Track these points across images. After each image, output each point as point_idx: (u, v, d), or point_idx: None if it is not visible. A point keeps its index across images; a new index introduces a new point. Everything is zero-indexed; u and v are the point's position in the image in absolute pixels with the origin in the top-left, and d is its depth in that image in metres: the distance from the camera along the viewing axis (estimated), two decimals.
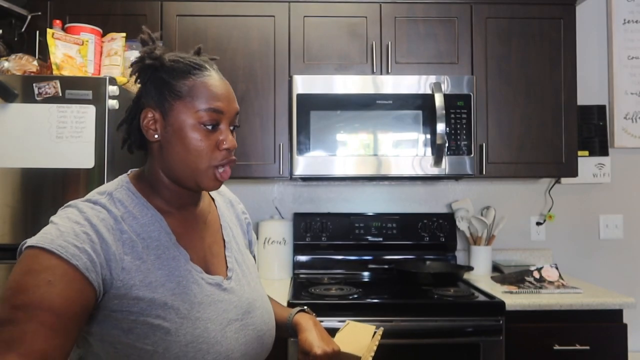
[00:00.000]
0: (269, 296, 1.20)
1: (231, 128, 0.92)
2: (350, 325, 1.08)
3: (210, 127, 0.87)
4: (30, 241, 0.78)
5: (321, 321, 1.71)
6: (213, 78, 0.90)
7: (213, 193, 1.08)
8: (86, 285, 0.76)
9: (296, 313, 1.08)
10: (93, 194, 0.88)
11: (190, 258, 0.91)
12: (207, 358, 0.84)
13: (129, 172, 0.97)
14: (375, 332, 1.05)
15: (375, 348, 1.00)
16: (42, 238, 0.77)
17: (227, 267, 0.97)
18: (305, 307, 1.12)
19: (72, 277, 0.75)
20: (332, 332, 1.71)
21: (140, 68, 0.89)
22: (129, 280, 0.81)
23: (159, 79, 0.88)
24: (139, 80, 0.91)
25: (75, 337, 0.76)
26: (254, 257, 1.17)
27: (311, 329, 1.02)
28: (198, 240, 0.95)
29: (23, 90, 1.63)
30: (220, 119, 0.89)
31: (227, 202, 1.12)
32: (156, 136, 0.88)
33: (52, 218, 0.82)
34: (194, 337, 0.84)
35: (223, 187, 1.14)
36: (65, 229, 0.78)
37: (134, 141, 0.94)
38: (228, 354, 0.87)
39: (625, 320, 1.82)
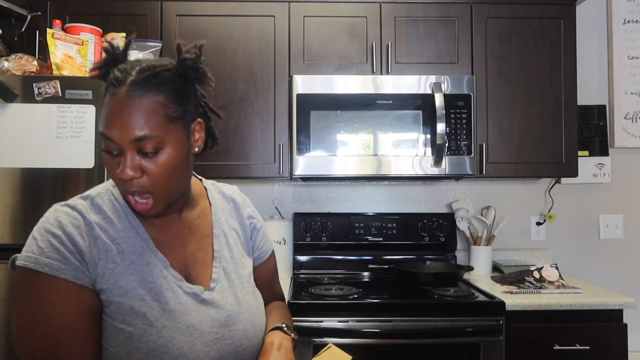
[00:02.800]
0: (281, 303, 1.17)
1: (150, 153, 0.83)
2: (332, 349, 1.02)
3: (114, 152, 0.82)
4: (20, 260, 0.82)
5: (320, 321, 1.73)
6: (116, 97, 0.81)
7: (214, 197, 1.05)
8: (82, 290, 0.82)
9: (270, 331, 1.00)
10: (76, 198, 0.91)
11: (170, 265, 0.90)
12: None
13: None
14: None
15: None
16: (28, 257, 0.81)
17: (211, 277, 0.94)
18: (283, 325, 1.02)
19: (66, 289, 0.80)
20: (332, 332, 1.72)
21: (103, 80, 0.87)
22: (102, 284, 0.83)
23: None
24: None
25: (97, 336, 0.83)
26: (266, 259, 1.12)
27: (270, 354, 0.93)
28: (179, 247, 0.94)
29: (23, 90, 1.64)
30: (115, 146, 0.82)
31: (231, 206, 1.07)
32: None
33: (34, 229, 0.85)
34: (156, 345, 0.83)
35: (232, 189, 1.11)
36: (45, 245, 0.82)
37: None
38: None
39: (625, 320, 1.82)
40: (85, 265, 0.83)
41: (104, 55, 0.87)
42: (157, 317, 0.84)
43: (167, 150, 0.84)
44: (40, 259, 0.80)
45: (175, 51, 0.88)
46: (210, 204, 1.03)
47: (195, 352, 0.86)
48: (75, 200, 0.89)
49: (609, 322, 1.81)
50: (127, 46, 0.87)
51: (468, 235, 2.37)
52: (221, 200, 1.07)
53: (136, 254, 0.88)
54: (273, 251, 1.16)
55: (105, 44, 0.86)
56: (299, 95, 2.04)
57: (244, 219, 1.08)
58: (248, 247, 1.07)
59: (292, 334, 1.01)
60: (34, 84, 1.63)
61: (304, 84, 2.04)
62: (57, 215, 0.85)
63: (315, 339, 1.70)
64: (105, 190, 0.92)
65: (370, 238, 2.34)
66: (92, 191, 0.93)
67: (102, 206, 0.89)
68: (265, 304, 1.08)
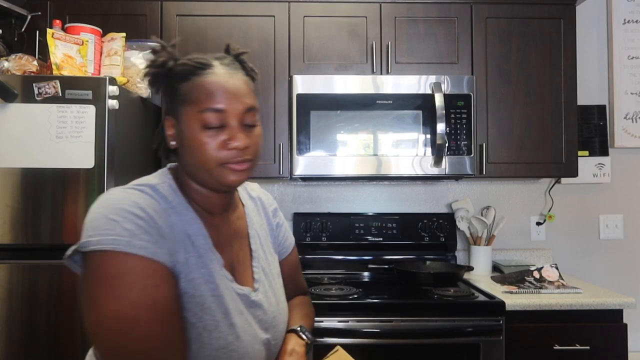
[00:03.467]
0: (304, 298, 1.19)
1: (248, 124, 0.86)
2: (339, 352, 1.02)
3: (216, 127, 0.83)
4: (103, 244, 0.74)
5: (321, 321, 1.73)
6: (214, 75, 0.84)
7: (244, 198, 1.05)
8: (173, 275, 0.79)
9: (286, 333, 1.01)
10: (136, 185, 0.84)
11: (223, 265, 0.90)
12: None
13: (168, 166, 0.94)
14: None
15: None
16: (116, 240, 0.74)
17: (253, 278, 0.95)
18: (299, 328, 1.02)
19: (162, 272, 0.77)
20: (332, 332, 1.72)
21: (151, 78, 0.88)
22: (178, 273, 0.81)
23: (169, 86, 0.87)
24: (156, 90, 0.90)
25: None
26: (289, 253, 1.13)
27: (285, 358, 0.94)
28: (228, 247, 0.93)
29: (23, 90, 1.63)
30: (223, 118, 0.83)
31: (258, 205, 1.08)
32: (173, 143, 0.88)
33: (105, 211, 0.77)
34: (226, 342, 0.82)
35: (255, 188, 1.12)
36: (132, 226, 0.76)
37: (163, 149, 0.93)
38: None
39: (625, 320, 1.82)
40: (169, 251, 0.79)
41: (154, 56, 0.87)
42: (225, 315, 0.84)
43: (258, 125, 0.90)
44: (133, 241, 0.74)
45: (225, 49, 0.95)
46: (242, 204, 1.04)
47: (255, 352, 0.87)
48: (140, 187, 0.84)
49: (609, 322, 1.81)
50: (174, 46, 0.90)
51: (468, 235, 2.37)
52: (249, 200, 1.07)
53: (202, 249, 0.85)
54: (295, 245, 1.16)
55: (156, 44, 0.89)
56: (299, 95, 2.03)
57: (270, 218, 1.09)
58: (275, 245, 1.08)
59: (306, 338, 1.01)
60: (34, 84, 1.63)
61: (304, 84, 2.04)
62: (129, 196, 0.80)
63: (315, 339, 1.70)
64: (162, 181, 0.88)
65: (370, 238, 2.34)
66: (150, 179, 0.87)
67: (167, 195, 0.85)
68: (289, 299, 1.09)
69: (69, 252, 0.78)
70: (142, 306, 0.73)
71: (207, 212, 0.91)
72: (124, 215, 0.76)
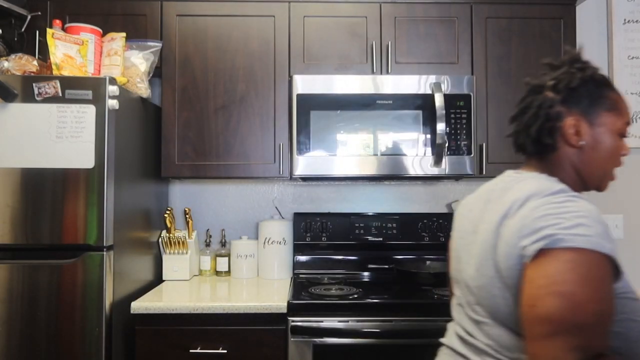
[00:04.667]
0: None
1: None
2: None
3: (622, 138, 0.99)
4: (573, 242, 0.81)
5: (321, 321, 1.73)
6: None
7: None
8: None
9: None
10: (569, 195, 0.90)
11: None
12: None
13: (520, 172, 1.00)
14: None
15: None
16: (590, 240, 0.81)
17: None
18: None
19: (613, 274, 0.84)
20: (332, 332, 1.72)
21: (583, 82, 0.96)
22: (622, 273, 0.88)
23: (593, 92, 0.96)
24: (568, 90, 0.96)
25: None
26: None
27: None
28: None
29: (23, 90, 1.64)
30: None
31: None
32: (581, 142, 0.96)
33: (578, 219, 0.84)
34: None
35: None
36: (602, 231, 0.83)
37: (545, 145, 0.98)
38: None
39: None
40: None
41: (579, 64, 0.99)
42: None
43: None
44: (603, 243, 0.82)
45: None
46: None
47: None
48: (573, 195, 0.90)
49: None
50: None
51: None
52: None
53: None
54: None
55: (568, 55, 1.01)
56: (299, 95, 2.03)
57: None
58: None
59: None
60: (34, 84, 1.63)
61: (304, 84, 2.04)
62: (584, 204, 0.87)
63: (315, 339, 1.70)
64: (566, 186, 0.93)
65: (370, 238, 2.34)
66: (557, 187, 0.92)
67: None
68: None
69: (535, 247, 0.83)
70: (607, 301, 0.81)
71: None
72: (592, 222, 0.83)
